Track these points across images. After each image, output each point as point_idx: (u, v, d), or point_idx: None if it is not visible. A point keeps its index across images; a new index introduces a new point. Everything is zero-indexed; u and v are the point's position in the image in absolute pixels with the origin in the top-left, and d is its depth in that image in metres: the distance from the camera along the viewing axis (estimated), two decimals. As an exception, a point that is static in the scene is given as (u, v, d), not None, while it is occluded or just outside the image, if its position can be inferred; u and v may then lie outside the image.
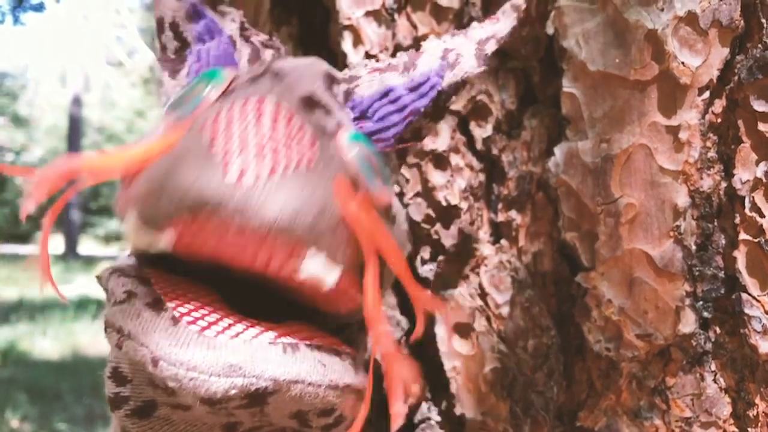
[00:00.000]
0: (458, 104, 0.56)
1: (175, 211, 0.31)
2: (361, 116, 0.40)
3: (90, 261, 9.55)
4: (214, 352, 0.31)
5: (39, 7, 7.40)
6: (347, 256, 0.33)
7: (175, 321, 0.32)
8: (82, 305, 5.92)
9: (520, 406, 0.54)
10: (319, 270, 0.32)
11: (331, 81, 0.38)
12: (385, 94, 0.41)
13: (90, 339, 5.15)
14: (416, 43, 0.57)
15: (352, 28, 0.59)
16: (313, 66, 0.38)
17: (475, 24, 0.45)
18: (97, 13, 15.25)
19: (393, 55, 0.58)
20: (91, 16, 14.94)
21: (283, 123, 0.32)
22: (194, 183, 0.30)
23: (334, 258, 0.32)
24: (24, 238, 14.56)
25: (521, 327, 0.54)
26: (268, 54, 0.44)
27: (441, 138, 0.56)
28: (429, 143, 0.56)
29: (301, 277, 0.31)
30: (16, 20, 7.17)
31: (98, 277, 0.39)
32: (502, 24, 0.45)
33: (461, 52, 0.43)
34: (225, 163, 0.30)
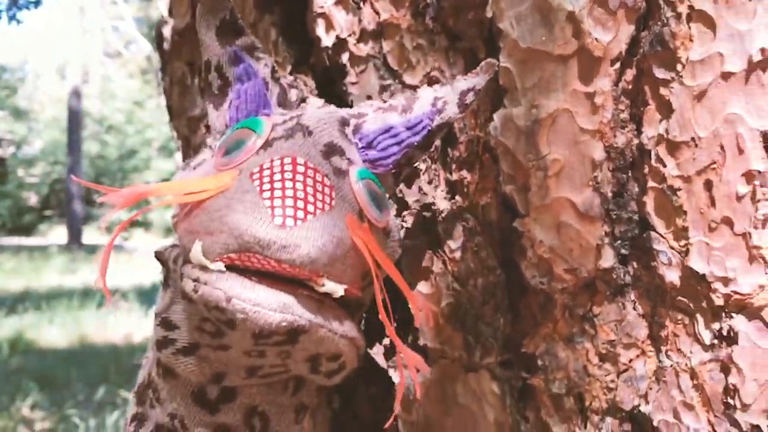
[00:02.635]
0: (415, 79, 0.64)
1: (235, 247, 0.42)
2: (368, 146, 0.52)
3: (93, 250, 9.59)
4: (272, 294, 0.42)
5: (36, 3, 7.41)
6: (354, 272, 0.46)
7: (240, 272, 0.43)
8: (86, 294, 5.97)
9: (471, 336, 0.63)
10: (331, 287, 0.44)
11: (344, 124, 0.51)
12: (387, 130, 0.53)
13: (96, 327, 5.20)
14: (379, 28, 0.66)
15: (324, 16, 0.68)
16: (331, 116, 0.51)
17: (459, 77, 0.56)
18: (94, 5, 15.22)
19: (359, 39, 0.67)
20: (88, 8, 14.92)
21: (311, 175, 0.44)
22: (249, 226, 0.41)
23: (341, 279, 0.45)
24: (27, 230, 14.63)
25: (472, 268, 0.63)
26: (293, 93, 0.56)
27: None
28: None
29: (320, 291, 0.44)
30: (11, 18, 7.19)
31: (158, 252, 0.52)
32: (480, 78, 0.56)
33: (447, 101, 0.55)
34: (271, 209, 0.41)
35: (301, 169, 0.44)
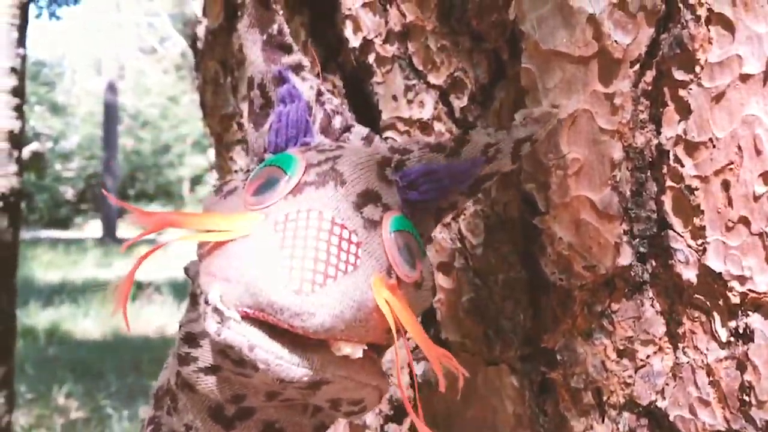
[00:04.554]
0: (439, 79, 0.66)
1: (249, 303, 0.39)
2: (409, 186, 0.47)
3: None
4: (294, 349, 0.40)
5: (75, 0, 7.56)
6: (377, 332, 0.43)
7: (261, 326, 0.41)
8: (119, 287, 6.04)
9: (492, 330, 0.65)
10: (348, 350, 0.41)
11: (384, 165, 0.47)
12: (430, 173, 0.48)
13: (129, 320, 5.29)
14: (404, 29, 0.68)
15: (352, 17, 0.70)
16: (370, 159, 0.47)
17: (517, 123, 0.51)
18: (130, 2, 15.42)
19: (386, 40, 0.69)
20: (124, 4, 15.12)
21: (337, 233, 0.41)
22: (264, 288, 0.39)
23: (362, 341, 0.42)
24: (64, 223, 14.89)
25: (493, 264, 0.64)
26: (337, 120, 0.52)
27: (426, 109, 0.67)
28: (416, 113, 0.67)
29: (338, 355, 0.41)
30: (51, 15, 7.33)
31: (187, 268, 0.51)
32: (538, 127, 0.51)
33: (500, 150, 0.49)
34: (289, 270, 0.39)
35: (326, 226, 0.41)
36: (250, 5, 0.52)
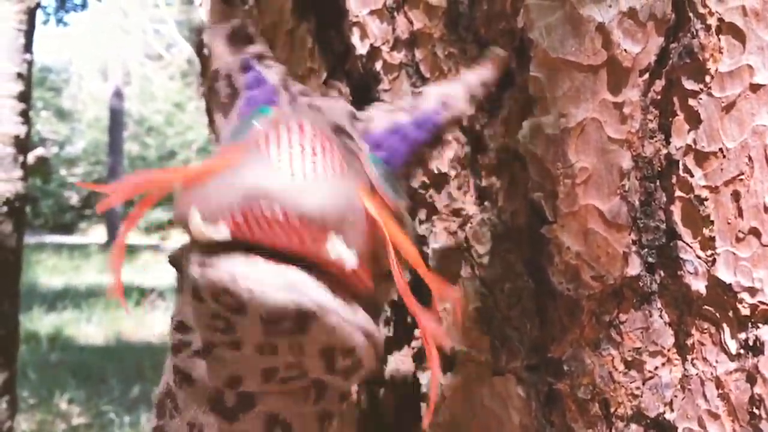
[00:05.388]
0: (447, 87, 0.66)
1: (239, 202, 0.38)
2: (376, 146, 0.49)
3: (132, 250, 9.75)
4: (279, 271, 0.39)
5: (82, 6, 7.59)
6: (364, 246, 0.41)
7: (246, 252, 0.39)
8: (124, 293, 6.06)
9: (498, 340, 0.64)
10: (341, 251, 0.39)
11: (353, 117, 0.49)
12: (394, 129, 0.51)
13: (133, 325, 5.29)
14: (412, 36, 0.68)
15: (359, 24, 0.70)
16: (340, 104, 0.50)
17: (467, 71, 0.56)
18: (136, 8, 15.49)
19: (393, 47, 0.69)
20: (130, 10, 15.19)
21: (319, 139, 0.41)
22: (256, 178, 0.38)
23: (352, 245, 0.40)
24: (68, 228, 14.92)
25: (499, 273, 0.64)
26: (303, 100, 0.52)
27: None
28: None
29: (330, 256, 0.39)
30: (59, 21, 7.36)
31: (171, 256, 0.50)
32: (489, 72, 0.56)
33: (455, 95, 0.54)
34: (280, 162, 0.38)
35: (309, 132, 0.40)
36: (213, 2, 0.54)
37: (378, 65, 0.70)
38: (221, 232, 0.38)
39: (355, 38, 0.70)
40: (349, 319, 0.41)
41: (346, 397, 0.53)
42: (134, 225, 0.46)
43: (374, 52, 0.69)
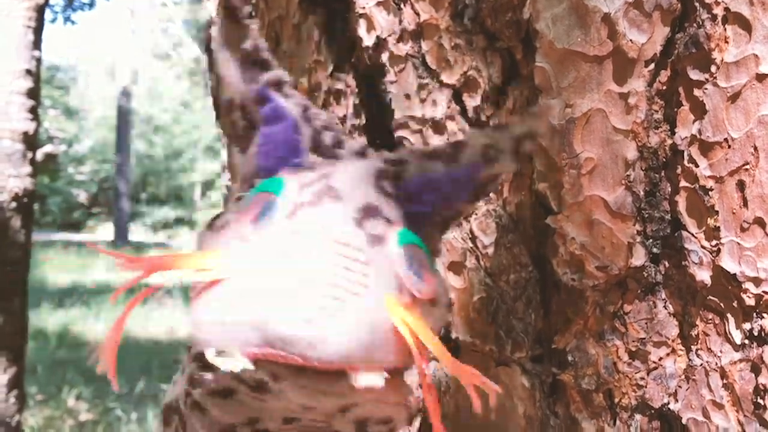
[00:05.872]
0: (452, 78, 0.66)
1: (257, 342, 0.36)
2: (408, 199, 0.45)
3: (140, 247, 9.78)
4: (319, 376, 0.37)
5: (90, 5, 7.61)
6: (400, 353, 0.39)
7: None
8: (131, 290, 6.07)
9: (503, 330, 0.64)
10: (367, 381, 0.37)
11: (381, 177, 0.44)
12: (430, 182, 0.46)
13: (140, 323, 5.30)
14: (418, 28, 0.68)
15: (366, 16, 0.70)
16: (366, 171, 0.44)
17: (516, 119, 0.49)
18: (144, 8, 15.53)
19: (399, 39, 0.69)
20: (138, 10, 15.23)
21: (341, 252, 0.38)
22: (271, 321, 0.35)
23: (381, 367, 0.37)
24: (76, 226, 14.98)
25: (504, 264, 0.64)
26: (327, 136, 0.49)
27: (439, 108, 0.66)
28: (429, 112, 0.67)
29: (358, 388, 0.37)
30: (66, 20, 7.38)
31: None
32: (538, 122, 0.49)
33: (500, 149, 0.47)
34: (297, 299, 0.36)
35: (329, 247, 0.38)
36: (220, 21, 0.48)
37: (384, 57, 0.70)
38: (244, 364, 0.37)
39: (361, 30, 0.70)
40: (389, 399, 0.41)
41: None
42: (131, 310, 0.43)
43: (380, 43, 0.70)
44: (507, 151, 0.47)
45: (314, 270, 0.37)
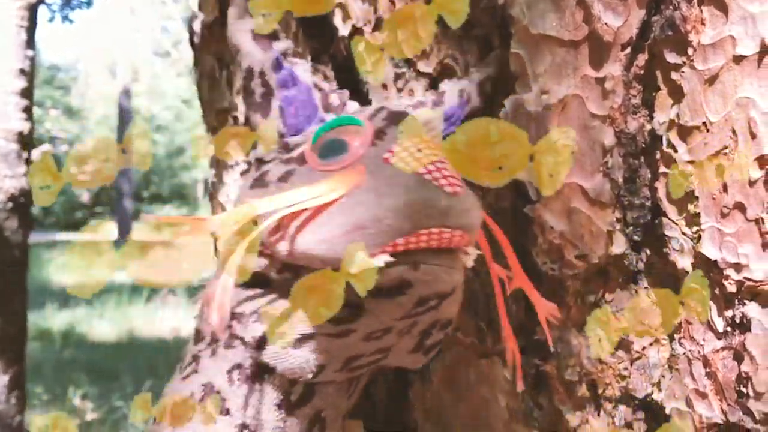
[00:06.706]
0: (429, 67, 0.64)
1: (408, 228, 0.42)
2: None
3: (143, 246, 9.76)
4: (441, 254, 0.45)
5: (88, 3, 7.58)
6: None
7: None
8: (136, 290, 6.08)
9: (484, 322, 0.63)
10: (473, 256, 0.48)
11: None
12: (425, 124, 0.51)
13: (144, 322, 5.30)
14: (394, 17, 0.66)
15: (341, 6, 0.69)
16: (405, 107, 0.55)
17: (473, 70, 0.60)
18: (144, 5, 15.51)
19: (375, 28, 0.68)
20: (138, 8, 15.21)
21: (438, 157, 0.44)
22: (425, 200, 0.42)
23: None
24: (79, 226, 14.99)
25: (484, 255, 0.63)
26: (334, 98, 0.56)
27: (416, 96, 0.65)
28: (405, 101, 0.65)
29: (466, 263, 0.48)
30: (64, 18, 7.35)
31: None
32: (491, 68, 0.60)
33: (470, 92, 0.59)
34: (435, 180, 0.43)
35: (428, 152, 0.44)
36: None
37: (360, 46, 0.69)
38: (385, 259, 0.41)
39: (337, 19, 0.69)
40: (460, 295, 0.48)
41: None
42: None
43: (356, 32, 0.68)
44: (475, 93, 0.59)
45: (435, 162, 0.43)
